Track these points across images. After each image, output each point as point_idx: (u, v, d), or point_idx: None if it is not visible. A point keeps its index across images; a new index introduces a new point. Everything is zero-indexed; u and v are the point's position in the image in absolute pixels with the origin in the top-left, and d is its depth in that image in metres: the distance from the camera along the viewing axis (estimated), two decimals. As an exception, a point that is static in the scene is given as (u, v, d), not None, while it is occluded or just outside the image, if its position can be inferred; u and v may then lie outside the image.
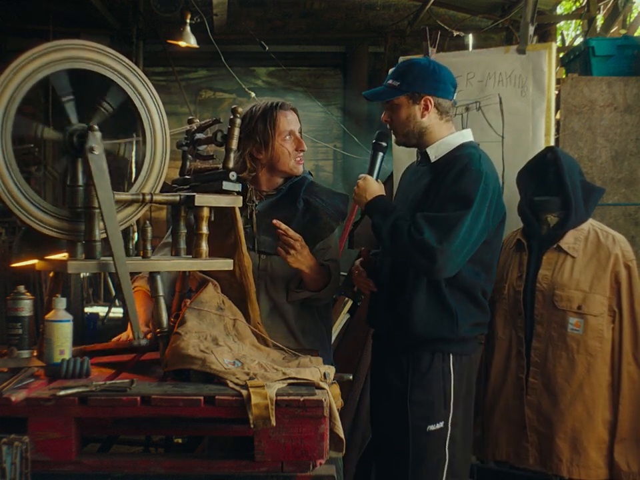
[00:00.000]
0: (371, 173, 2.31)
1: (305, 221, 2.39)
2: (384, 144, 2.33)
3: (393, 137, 2.43)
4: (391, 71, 2.35)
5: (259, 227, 2.37)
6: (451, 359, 2.25)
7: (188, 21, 5.80)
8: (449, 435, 2.23)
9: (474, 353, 2.37)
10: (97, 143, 1.80)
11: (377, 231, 2.22)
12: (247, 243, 2.30)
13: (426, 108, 2.27)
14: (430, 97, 2.26)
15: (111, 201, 1.82)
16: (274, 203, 2.41)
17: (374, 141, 2.35)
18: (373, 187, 2.27)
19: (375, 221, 2.23)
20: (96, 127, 1.83)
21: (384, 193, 2.28)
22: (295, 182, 2.44)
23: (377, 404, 2.41)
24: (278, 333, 2.33)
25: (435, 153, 2.31)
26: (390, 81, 2.30)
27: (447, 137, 2.30)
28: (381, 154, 2.33)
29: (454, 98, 2.33)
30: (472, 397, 2.37)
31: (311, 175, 2.54)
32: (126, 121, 2.01)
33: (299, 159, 2.40)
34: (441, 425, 2.23)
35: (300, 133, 2.42)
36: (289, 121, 2.37)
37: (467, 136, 2.35)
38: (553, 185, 2.54)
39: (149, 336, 1.98)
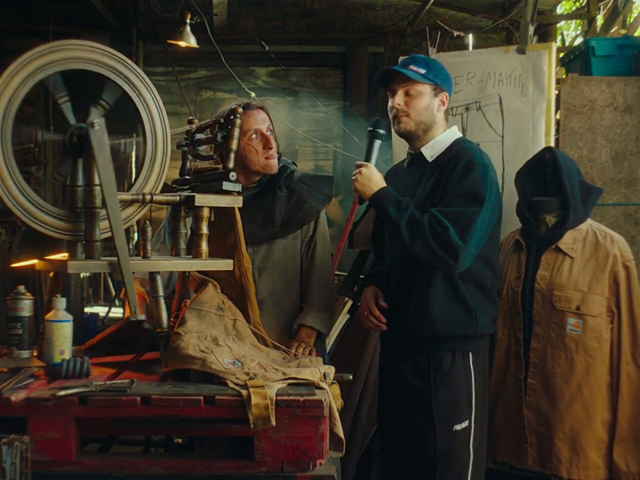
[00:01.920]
0: (369, 161, 2.26)
1: (290, 206, 2.39)
2: (382, 131, 2.29)
3: (394, 141, 2.43)
4: (406, 60, 2.32)
5: (244, 218, 2.33)
6: (471, 357, 2.26)
7: (188, 20, 5.79)
8: (472, 434, 2.24)
9: (486, 350, 2.38)
10: (97, 118, 1.81)
11: (394, 225, 2.16)
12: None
13: (442, 103, 2.32)
14: (447, 95, 2.33)
15: (111, 175, 1.81)
16: (255, 194, 2.42)
17: (371, 129, 2.29)
18: (377, 176, 2.23)
19: (390, 214, 2.16)
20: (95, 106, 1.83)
21: (385, 183, 2.25)
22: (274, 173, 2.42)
23: (392, 406, 2.37)
24: (263, 320, 2.27)
25: (430, 152, 2.32)
26: (413, 67, 2.28)
27: (440, 136, 2.33)
28: (378, 142, 2.29)
29: None
30: (487, 394, 2.38)
31: (295, 165, 2.51)
32: (126, 121, 2.01)
33: (269, 155, 2.36)
34: (466, 423, 2.24)
35: (270, 130, 2.38)
36: (255, 120, 2.35)
37: (455, 132, 2.38)
38: (551, 186, 2.54)
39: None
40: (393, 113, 2.31)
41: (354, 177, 2.24)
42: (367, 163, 2.25)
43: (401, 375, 2.32)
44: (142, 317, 1.91)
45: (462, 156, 2.23)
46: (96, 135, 1.80)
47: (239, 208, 2.32)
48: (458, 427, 2.22)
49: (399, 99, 2.28)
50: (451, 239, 2.08)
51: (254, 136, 2.35)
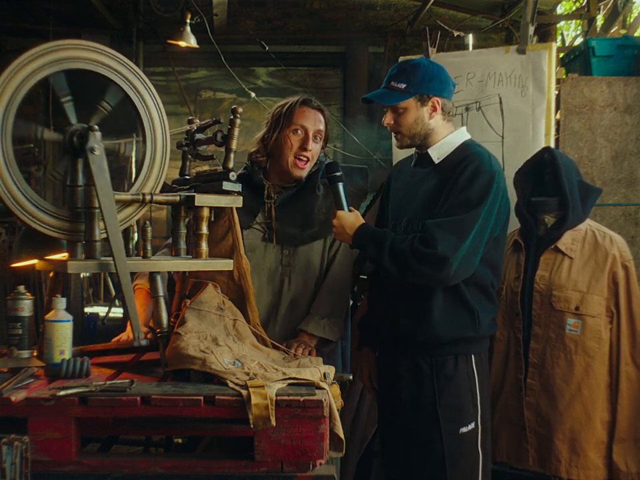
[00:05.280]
0: (339, 207, 2.27)
1: (328, 205, 2.40)
2: (339, 174, 2.30)
3: (394, 141, 2.42)
4: (390, 72, 2.30)
5: (283, 220, 2.37)
6: (473, 359, 2.24)
7: (188, 21, 5.80)
8: (479, 435, 2.23)
9: (487, 349, 2.37)
10: (97, 143, 1.81)
11: (378, 264, 2.20)
12: (268, 237, 2.35)
13: (434, 109, 2.25)
14: (437, 98, 2.25)
15: (111, 200, 1.82)
16: (294, 194, 2.43)
17: (328, 176, 2.30)
18: (349, 219, 2.24)
19: (371, 255, 2.20)
20: (96, 127, 1.83)
21: (361, 220, 2.26)
22: (312, 171, 2.44)
23: (394, 412, 2.35)
24: (295, 324, 2.35)
25: (437, 154, 2.29)
26: (393, 83, 2.25)
27: (447, 137, 2.30)
28: (340, 184, 2.29)
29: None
30: (489, 393, 2.37)
31: (325, 156, 2.49)
32: (126, 121, 2.01)
33: (301, 158, 2.36)
34: (472, 425, 2.22)
35: (318, 136, 2.39)
36: (306, 117, 2.37)
37: (465, 134, 2.35)
38: (550, 186, 2.54)
39: (148, 336, 1.98)
40: (388, 129, 2.33)
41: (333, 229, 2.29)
42: (335, 212, 2.26)
43: (402, 379, 2.28)
44: (145, 342, 1.92)
45: (470, 162, 2.19)
46: (95, 161, 1.81)
47: (275, 209, 2.35)
48: (464, 430, 2.20)
49: (388, 118, 2.29)
50: (437, 254, 2.07)
51: (298, 131, 2.36)
